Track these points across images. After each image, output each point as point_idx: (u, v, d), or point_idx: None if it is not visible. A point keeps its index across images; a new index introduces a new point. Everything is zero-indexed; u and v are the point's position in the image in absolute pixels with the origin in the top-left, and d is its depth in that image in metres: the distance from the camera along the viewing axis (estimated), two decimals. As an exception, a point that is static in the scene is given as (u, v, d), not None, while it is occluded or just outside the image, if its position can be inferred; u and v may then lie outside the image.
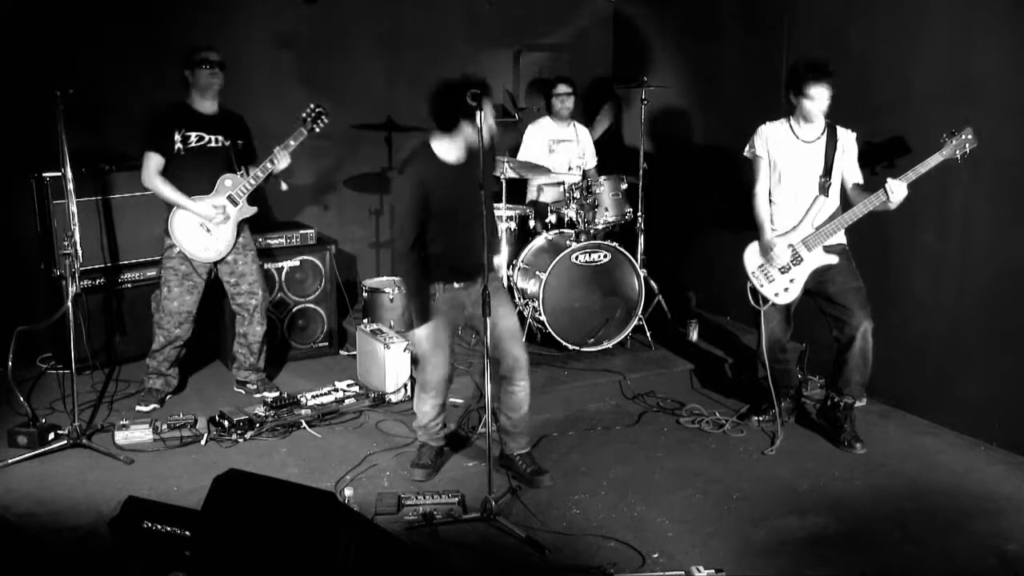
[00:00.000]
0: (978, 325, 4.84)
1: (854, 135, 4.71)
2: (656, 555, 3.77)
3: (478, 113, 3.92)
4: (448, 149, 4.14)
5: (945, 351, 5.01)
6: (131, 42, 5.86)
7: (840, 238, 4.71)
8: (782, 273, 4.72)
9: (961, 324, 4.92)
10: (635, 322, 5.79)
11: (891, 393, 5.27)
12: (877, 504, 4.23)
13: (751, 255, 4.80)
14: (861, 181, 4.68)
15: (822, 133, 4.66)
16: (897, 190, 4.37)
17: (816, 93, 4.52)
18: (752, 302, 4.81)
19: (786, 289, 4.74)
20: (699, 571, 3.55)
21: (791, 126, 4.70)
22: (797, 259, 4.69)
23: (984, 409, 4.84)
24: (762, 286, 4.77)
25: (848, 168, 4.69)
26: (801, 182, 4.68)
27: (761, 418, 5.07)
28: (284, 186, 5.27)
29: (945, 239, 4.98)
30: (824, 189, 4.63)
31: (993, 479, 4.48)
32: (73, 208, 4.59)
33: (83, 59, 5.64)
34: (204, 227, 5.01)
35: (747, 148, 4.82)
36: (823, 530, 4.01)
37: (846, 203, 4.68)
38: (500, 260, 5.87)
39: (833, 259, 4.68)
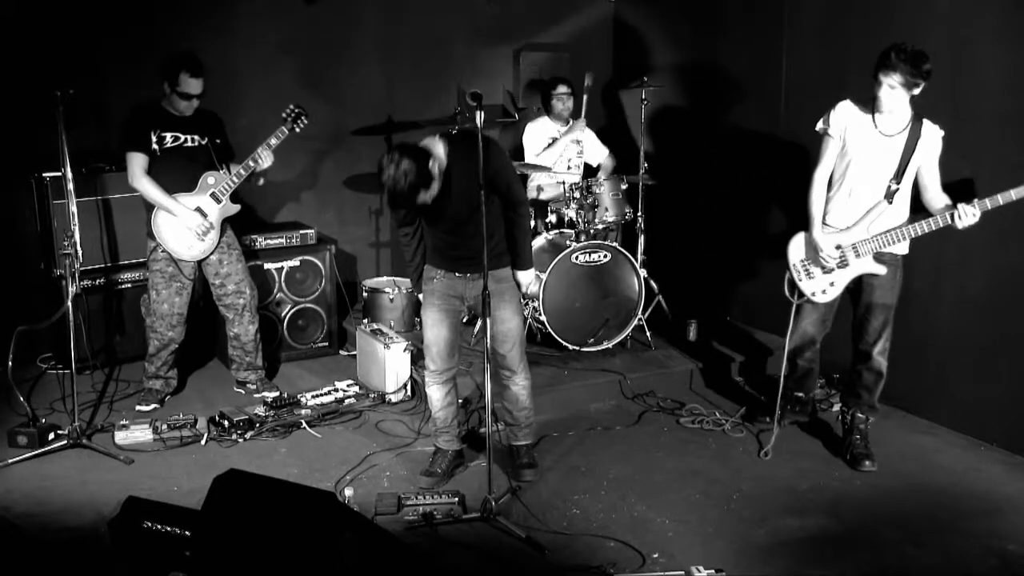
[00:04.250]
0: (978, 325, 4.83)
1: (942, 133, 4.27)
2: (656, 555, 3.77)
3: (478, 113, 3.92)
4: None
5: (945, 351, 5.01)
6: (132, 42, 5.86)
7: (901, 248, 4.41)
8: (824, 273, 4.49)
9: (961, 324, 4.92)
10: (635, 322, 5.79)
11: (891, 393, 5.24)
12: (877, 504, 4.23)
13: (796, 246, 4.57)
14: (938, 191, 4.27)
15: (905, 127, 4.25)
16: (965, 218, 4.07)
17: (886, 80, 4.10)
18: (787, 293, 4.61)
19: (824, 291, 4.53)
20: (699, 571, 3.54)
21: (873, 114, 4.28)
22: (843, 262, 4.43)
23: (984, 409, 4.84)
24: (800, 280, 4.55)
25: (927, 170, 4.28)
26: (869, 179, 4.33)
27: (769, 418, 4.92)
28: (261, 181, 5.25)
29: (945, 239, 4.97)
30: (890, 195, 4.28)
31: (993, 479, 4.48)
32: (73, 208, 4.59)
33: (83, 59, 5.64)
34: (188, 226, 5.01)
35: (820, 122, 4.42)
36: (823, 530, 4.01)
37: (921, 209, 4.34)
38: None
39: (881, 270, 4.39)
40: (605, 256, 5.68)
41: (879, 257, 4.41)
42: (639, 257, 6.02)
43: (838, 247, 4.44)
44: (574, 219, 5.83)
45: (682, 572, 3.58)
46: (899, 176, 4.27)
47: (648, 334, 5.90)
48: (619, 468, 4.56)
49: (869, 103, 4.29)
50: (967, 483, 4.44)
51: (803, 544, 3.90)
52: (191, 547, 3.06)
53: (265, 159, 5.02)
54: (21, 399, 4.85)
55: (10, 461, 4.45)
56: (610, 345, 5.74)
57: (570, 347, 5.66)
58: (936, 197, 4.29)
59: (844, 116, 4.35)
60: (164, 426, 4.76)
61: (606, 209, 5.79)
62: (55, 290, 5.43)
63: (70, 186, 4.58)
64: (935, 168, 4.31)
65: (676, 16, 6.85)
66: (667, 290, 6.16)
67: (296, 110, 5.08)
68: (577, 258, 5.62)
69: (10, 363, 4.78)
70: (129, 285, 5.75)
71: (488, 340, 4.01)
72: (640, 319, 5.83)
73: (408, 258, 4.41)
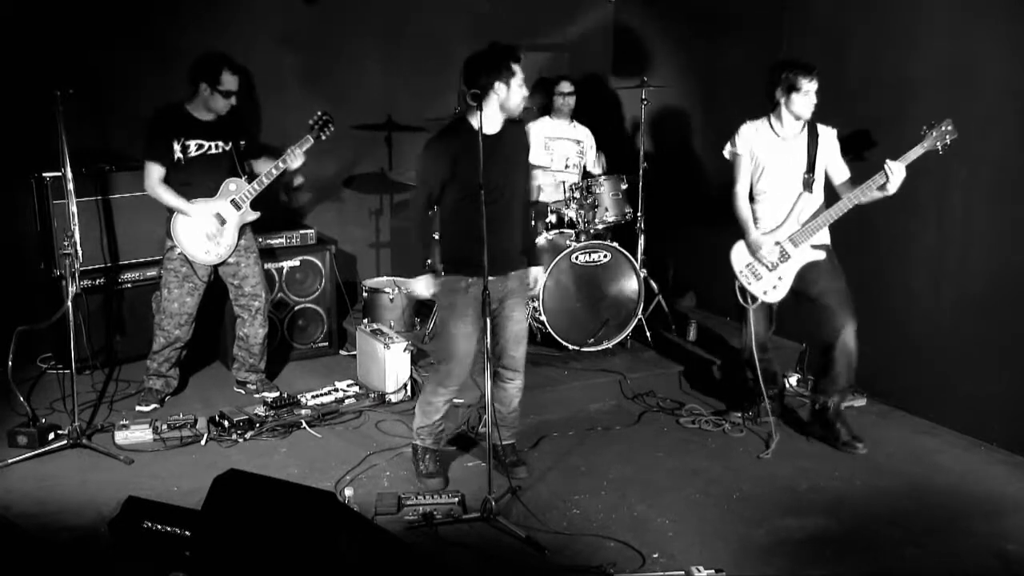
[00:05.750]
0: (978, 325, 4.83)
1: (834, 131, 4.71)
2: (656, 555, 3.77)
3: (478, 113, 3.92)
4: (482, 119, 3.99)
5: (945, 351, 5.00)
6: (131, 42, 5.87)
7: (824, 237, 4.70)
8: (769, 271, 4.71)
9: (961, 324, 4.92)
10: (635, 322, 5.79)
11: (891, 393, 5.27)
12: (877, 504, 4.23)
13: (738, 254, 4.80)
14: (848, 175, 4.66)
15: (802, 129, 4.67)
16: (897, 171, 4.33)
17: (810, 87, 4.53)
18: (740, 300, 4.80)
19: (774, 287, 4.73)
20: (699, 571, 3.55)
21: (771, 124, 4.71)
22: (784, 256, 4.68)
23: (984, 409, 4.84)
24: (750, 284, 4.76)
25: (832, 164, 4.68)
26: (785, 179, 4.67)
27: (743, 415, 5.06)
28: (298, 180, 5.26)
29: (945, 239, 4.98)
30: (808, 185, 4.63)
31: (993, 479, 4.48)
32: (73, 208, 4.58)
33: (83, 59, 5.63)
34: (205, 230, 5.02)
35: (727, 147, 4.83)
36: (823, 530, 4.01)
37: (833, 200, 4.63)
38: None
39: (820, 255, 4.67)
40: (605, 256, 5.68)
41: (814, 246, 4.68)
42: (639, 257, 6.02)
43: (776, 243, 4.69)
44: (574, 219, 5.84)
45: (682, 572, 3.58)
46: (811, 167, 4.65)
47: (648, 334, 5.90)
48: (619, 468, 4.56)
49: (762, 118, 4.74)
50: (967, 483, 4.44)
51: (803, 544, 3.90)
52: (191, 547, 3.06)
53: (295, 159, 5.01)
54: (21, 399, 4.84)
55: (10, 461, 4.45)
56: (610, 345, 5.74)
57: (570, 347, 5.66)
58: (849, 184, 4.63)
59: (748, 136, 4.76)
60: (164, 426, 4.76)
61: (606, 209, 5.80)
62: (55, 290, 5.42)
63: (70, 186, 4.58)
64: (839, 162, 4.71)
65: (676, 16, 6.85)
66: (666, 290, 6.17)
67: (323, 118, 5.05)
68: (577, 258, 5.62)
69: (10, 363, 4.77)
70: (129, 285, 5.75)
71: (488, 341, 4.01)
72: (640, 319, 5.83)
73: (427, 241, 4.34)
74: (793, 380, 5.56)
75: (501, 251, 4.11)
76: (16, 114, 5.56)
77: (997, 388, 4.76)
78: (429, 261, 4.24)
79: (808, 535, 3.97)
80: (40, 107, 4.69)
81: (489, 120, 4.05)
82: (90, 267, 5.46)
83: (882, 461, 4.64)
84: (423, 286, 4.27)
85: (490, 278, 4.13)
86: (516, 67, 4.04)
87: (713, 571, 3.55)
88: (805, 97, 4.56)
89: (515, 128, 4.22)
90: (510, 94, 4.04)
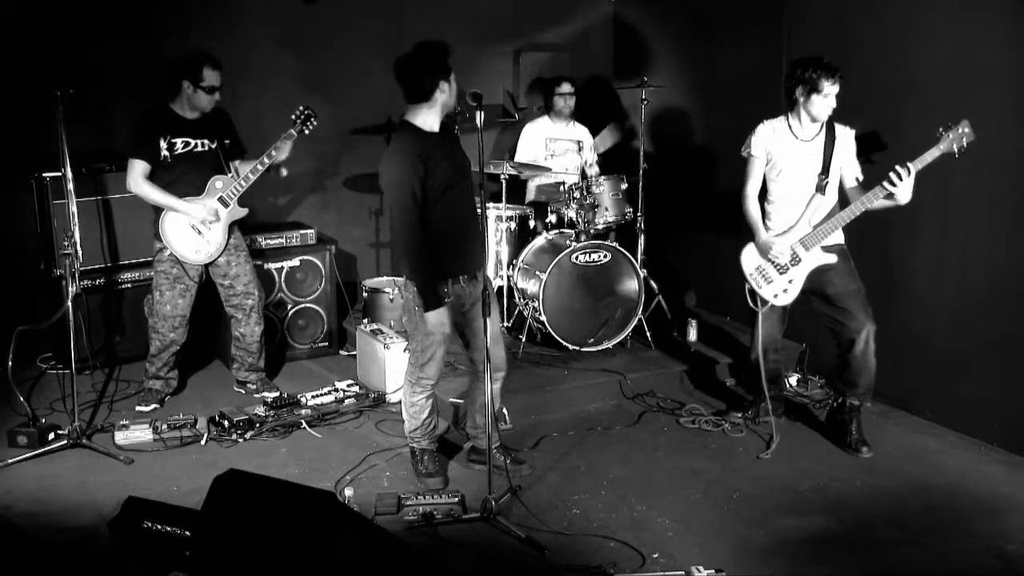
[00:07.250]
0: (978, 325, 4.83)
1: (853, 132, 4.65)
2: (656, 555, 3.77)
3: (479, 113, 3.91)
4: (428, 119, 4.08)
5: (945, 351, 5.00)
6: (131, 42, 5.87)
7: (838, 238, 4.66)
8: (780, 274, 4.68)
9: (961, 324, 4.92)
10: (635, 322, 5.79)
11: (891, 393, 5.26)
12: (877, 504, 4.23)
13: (748, 256, 4.76)
14: (860, 178, 4.62)
15: (820, 130, 4.60)
16: (900, 182, 4.25)
17: (831, 90, 4.45)
18: (750, 304, 4.77)
19: (785, 290, 4.70)
20: (699, 571, 3.55)
21: (789, 124, 4.65)
22: (795, 259, 4.64)
23: (984, 409, 4.84)
24: (760, 288, 4.73)
25: (847, 165, 4.62)
26: (799, 180, 4.62)
27: (743, 415, 5.06)
28: (283, 172, 5.25)
29: (945, 239, 4.98)
30: (822, 188, 4.57)
31: (993, 479, 4.48)
32: (73, 208, 4.59)
33: (84, 59, 5.63)
34: (195, 229, 5.00)
35: (744, 147, 4.77)
36: (823, 531, 4.01)
37: (844, 202, 4.62)
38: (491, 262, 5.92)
39: (832, 258, 4.62)
40: (605, 256, 5.68)
41: (826, 248, 4.63)
42: (639, 257, 6.02)
43: (787, 246, 4.65)
44: (574, 219, 5.84)
45: (682, 572, 3.58)
46: (826, 170, 4.58)
47: (648, 334, 5.90)
48: (619, 468, 4.56)
49: (781, 117, 4.67)
50: (967, 483, 4.44)
51: (803, 544, 3.90)
52: (191, 547, 3.06)
53: (283, 150, 5.01)
54: (21, 399, 4.85)
55: (10, 461, 4.45)
56: (610, 345, 5.74)
57: (570, 347, 5.66)
58: (859, 190, 4.58)
59: (765, 136, 4.69)
60: (164, 426, 4.76)
61: (606, 209, 5.80)
62: (55, 290, 5.43)
63: (70, 186, 4.58)
64: (854, 163, 4.64)
65: (676, 16, 6.85)
66: (666, 290, 6.16)
67: (305, 112, 5.06)
68: (577, 258, 5.62)
69: (10, 363, 4.77)
70: (129, 285, 5.75)
71: (489, 341, 4.01)
72: (640, 319, 5.83)
73: (425, 252, 4.01)
74: (793, 380, 5.56)
75: (474, 250, 4.13)
76: (16, 114, 5.57)
77: (997, 388, 4.76)
78: (446, 290, 4.09)
79: (808, 535, 3.97)
80: (40, 107, 4.69)
81: (435, 119, 4.09)
82: (90, 267, 5.47)
83: (882, 461, 4.64)
84: (439, 320, 4.05)
85: (462, 280, 4.15)
86: (449, 63, 4.05)
87: (713, 571, 3.55)
88: (825, 100, 4.47)
89: (449, 127, 4.20)
90: (451, 91, 4.06)
